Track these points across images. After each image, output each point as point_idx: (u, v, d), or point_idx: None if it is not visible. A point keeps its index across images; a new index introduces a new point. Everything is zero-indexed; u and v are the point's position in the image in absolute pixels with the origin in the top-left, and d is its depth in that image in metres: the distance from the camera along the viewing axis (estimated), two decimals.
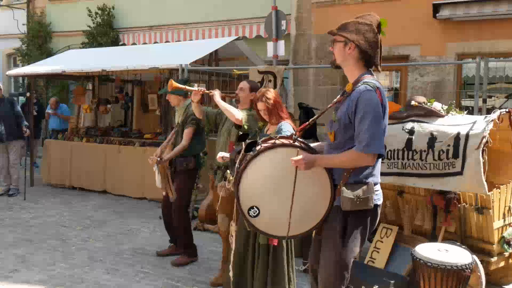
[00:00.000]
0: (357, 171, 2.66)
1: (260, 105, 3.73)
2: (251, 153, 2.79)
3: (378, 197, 2.75)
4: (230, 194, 3.75)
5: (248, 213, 2.77)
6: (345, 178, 2.66)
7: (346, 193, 2.61)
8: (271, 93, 3.73)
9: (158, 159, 4.92)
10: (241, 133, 3.91)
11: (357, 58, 2.69)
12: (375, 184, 2.73)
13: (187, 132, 4.99)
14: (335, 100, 2.81)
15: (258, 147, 2.78)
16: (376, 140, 2.55)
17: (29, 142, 9.11)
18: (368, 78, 2.66)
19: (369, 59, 2.69)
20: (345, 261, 2.68)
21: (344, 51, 2.70)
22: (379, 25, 2.70)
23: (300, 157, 2.64)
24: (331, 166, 2.72)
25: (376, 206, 2.72)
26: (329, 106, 2.85)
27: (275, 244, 3.52)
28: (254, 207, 2.76)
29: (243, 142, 3.04)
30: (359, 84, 2.62)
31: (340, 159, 2.65)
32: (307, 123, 3.00)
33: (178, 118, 5.18)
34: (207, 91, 4.32)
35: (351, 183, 2.64)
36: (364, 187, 2.63)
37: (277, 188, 2.75)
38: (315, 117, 3.04)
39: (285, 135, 2.97)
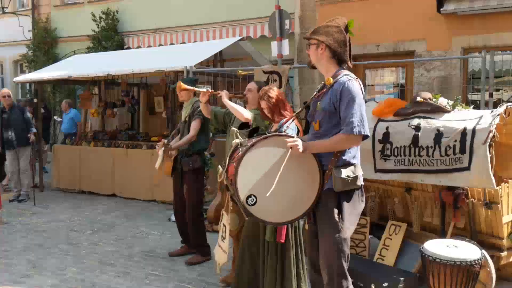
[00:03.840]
0: (343, 154, 2.91)
1: (263, 104, 3.76)
2: (250, 140, 2.96)
3: (361, 178, 3.01)
4: None
5: (247, 201, 2.87)
6: (334, 162, 2.90)
7: (338, 173, 2.86)
8: (273, 92, 3.75)
9: (165, 141, 5.00)
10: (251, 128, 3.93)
11: (329, 57, 2.99)
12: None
13: (195, 124, 5.03)
14: (316, 94, 3.09)
15: (253, 139, 2.95)
16: (364, 122, 2.85)
17: (36, 148, 9.18)
18: (346, 71, 2.96)
19: (340, 57, 2.99)
20: (344, 238, 2.90)
21: (316, 52, 3.01)
22: (346, 27, 3.00)
23: (296, 140, 2.87)
24: (322, 151, 2.93)
25: (361, 185, 2.99)
26: (309, 101, 3.14)
27: (283, 241, 3.51)
28: (252, 196, 2.87)
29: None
30: (340, 77, 2.91)
31: (330, 143, 2.89)
32: (291, 116, 3.41)
33: (184, 114, 5.22)
34: (215, 92, 4.38)
35: (340, 166, 2.89)
36: (352, 167, 2.91)
37: (272, 175, 2.85)
38: (298, 110, 3.34)
39: (278, 132, 3.18)
